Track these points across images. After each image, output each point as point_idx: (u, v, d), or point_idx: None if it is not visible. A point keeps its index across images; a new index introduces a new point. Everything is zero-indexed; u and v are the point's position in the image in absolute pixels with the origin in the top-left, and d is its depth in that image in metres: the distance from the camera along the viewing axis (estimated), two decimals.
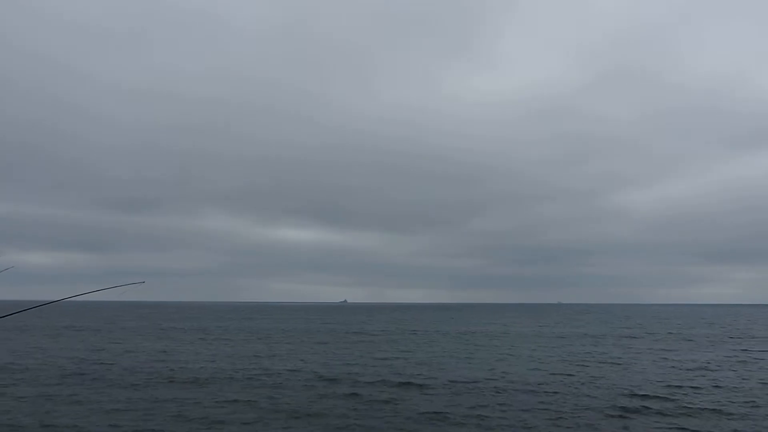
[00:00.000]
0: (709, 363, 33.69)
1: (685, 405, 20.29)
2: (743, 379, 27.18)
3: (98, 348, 41.72)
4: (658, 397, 21.93)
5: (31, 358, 34.40)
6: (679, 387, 24.40)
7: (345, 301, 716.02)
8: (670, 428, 16.98)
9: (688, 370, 30.57)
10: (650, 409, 19.62)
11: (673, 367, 31.78)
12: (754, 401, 21.15)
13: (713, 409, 19.50)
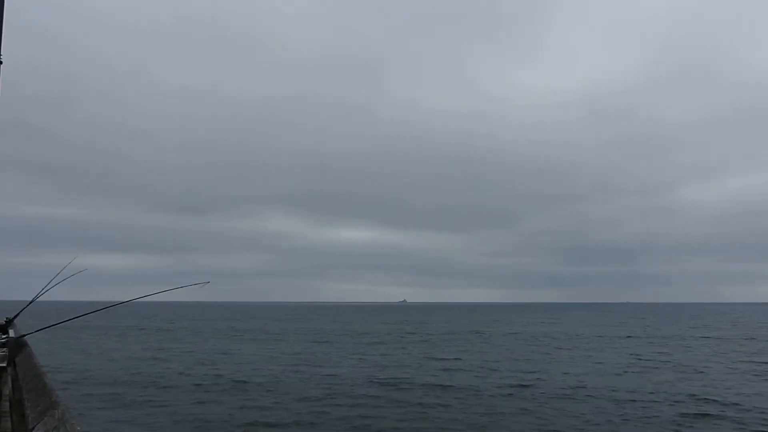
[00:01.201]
0: None
1: (758, 415, 19.12)
2: None
3: (161, 348, 42.95)
4: (727, 404, 20.74)
5: (99, 358, 35.70)
6: (754, 395, 23.04)
7: (404, 301, 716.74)
8: None
9: (765, 373, 28.96)
10: (718, 418, 18.56)
11: (745, 371, 30.13)
12: None
13: None
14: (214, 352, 39.72)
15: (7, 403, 6.20)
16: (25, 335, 8.86)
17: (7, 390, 6.58)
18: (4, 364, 6.19)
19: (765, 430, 16.87)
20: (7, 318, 10.33)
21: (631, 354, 39.10)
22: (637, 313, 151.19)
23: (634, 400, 21.30)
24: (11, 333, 9.25)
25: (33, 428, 4.03)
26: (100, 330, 64.13)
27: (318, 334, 62.17)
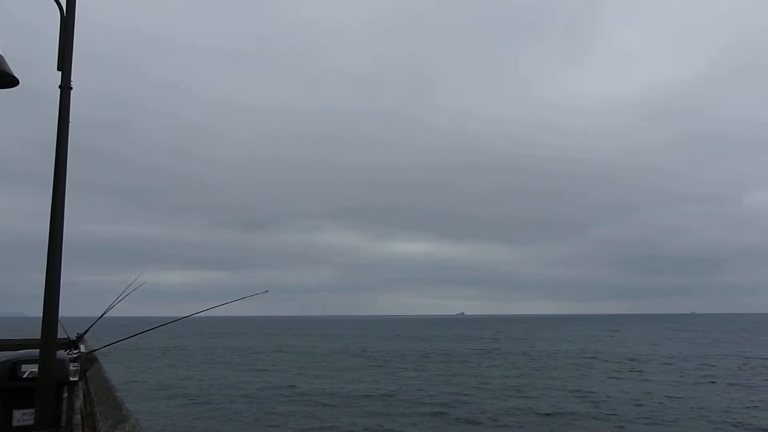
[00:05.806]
0: None
1: None
2: None
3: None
4: None
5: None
6: None
7: (462, 313, 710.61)
8: None
9: None
10: None
11: None
12: None
13: None
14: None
15: (79, 416, 6.39)
16: (95, 350, 9.16)
17: (78, 403, 6.79)
18: (75, 379, 6.39)
19: None
20: (78, 334, 10.71)
21: (706, 386, 36.26)
22: (706, 327, 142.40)
23: None
24: (82, 348, 9.58)
25: None
26: (150, 349, 65.23)
27: (372, 356, 61.66)
